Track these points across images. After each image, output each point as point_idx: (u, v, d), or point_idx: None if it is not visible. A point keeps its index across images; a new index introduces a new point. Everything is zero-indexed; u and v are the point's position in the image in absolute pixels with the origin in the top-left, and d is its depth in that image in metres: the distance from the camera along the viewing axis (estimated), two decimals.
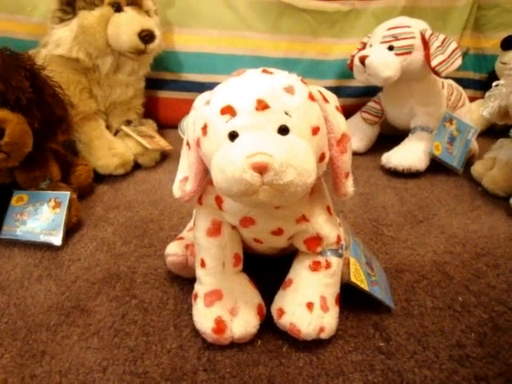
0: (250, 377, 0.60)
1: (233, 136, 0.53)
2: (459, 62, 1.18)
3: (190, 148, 0.62)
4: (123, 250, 0.88)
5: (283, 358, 0.63)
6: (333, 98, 0.61)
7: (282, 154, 0.49)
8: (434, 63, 1.16)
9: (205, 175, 0.63)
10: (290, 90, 0.55)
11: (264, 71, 0.58)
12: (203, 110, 0.58)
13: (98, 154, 1.20)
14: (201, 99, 0.61)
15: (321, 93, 0.59)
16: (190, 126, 0.62)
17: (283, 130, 0.53)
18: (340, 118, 0.61)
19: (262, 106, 0.53)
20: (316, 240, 0.65)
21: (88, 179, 1.11)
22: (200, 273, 0.68)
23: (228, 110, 0.54)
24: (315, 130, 0.55)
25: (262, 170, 0.49)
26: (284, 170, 0.49)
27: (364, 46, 1.32)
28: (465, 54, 1.62)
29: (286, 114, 0.54)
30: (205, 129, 0.57)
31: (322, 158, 0.58)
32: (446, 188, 1.16)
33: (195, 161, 0.62)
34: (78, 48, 1.16)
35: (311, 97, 0.57)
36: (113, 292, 0.76)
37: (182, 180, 0.66)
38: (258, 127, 0.53)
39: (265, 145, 0.50)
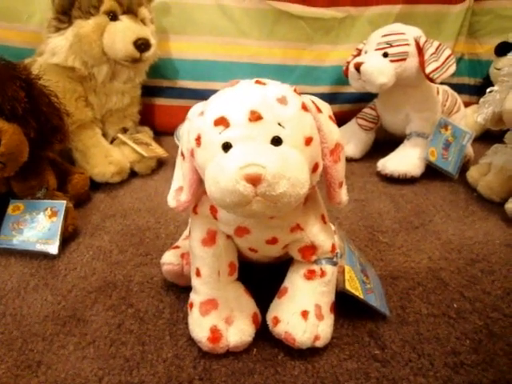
0: None
1: (226, 147, 0.54)
2: (453, 68, 1.19)
3: (184, 158, 0.62)
4: (119, 259, 0.88)
5: (278, 367, 0.63)
6: (326, 107, 0.62)
7: (274, 165, 0.49)
8: (428, 70, 1.17)
9: (199, 185, 0.64)
10: (282, 100, 0.55)
11: (257, 82, 0.58)
12: (197, 121, 0.58)
13: (94, 162, 1.20)
14: (194, 110, 0.61)
15: (314, 102, 0.59)
16: (184, 137, 0.62)
17: (276, 141, 0.53)
18: (333, 127, 0.61)
19: (255, 117, 0.53)
20: (311, 249, 0.65)
21: (84, 187, 1.11)
22: (195, 282, 0.68)
23: (221, 122, 0.54)
24: (308, 141, 0.56)
25: (254, 181, 0.49)
26: (277, 181, 0.49)
27: (359, 52, 1.33)
28: (459, 60, 1.63)
29: (279, 124, 0.54)
30: (198, 140, 0.57)
31: (315, 168, 0.58)
32: (441, 194, 1.16)
33: (189, 171, 0.62)
34: (74, 57, 1.17)
35: (304, 107, 0.57)
36: (109, 301, 0.77)
37: (177, 190, 0.66)
38: (251, 138, 0.53)
39: (258, 156, 0.50)
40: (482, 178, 1.13)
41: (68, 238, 0.94)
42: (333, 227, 0.74)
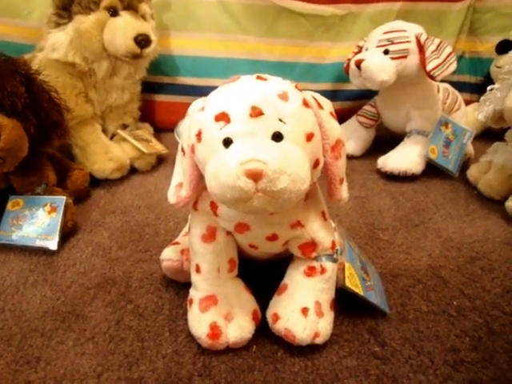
0: (245, 382, 0.60)
1: (227, 143, 0.54)
2: (454, 66, 1.18)
3: (184, 154, 0.62)
4: (119, 255, 0.88)
5: (278, 364, 0.63)
6: (327, 103, 0.62)
7: (275, 160, 0.49)
8: (429, 67, 1.16)
9: (199, 181, 0.64)
10: (284, 96, 0.55)
11: (258, 78, 0.58)
12: (197, 117, 0.58)
13: (94, 158, 1.20)
14: (195, 106, 0.61)
15: (315, 99, 0.59)
16: (184, 133, 0.62)
17: (277, 137, 0.53)
18: (334, 123, 0.61)
19: (256, 112, 0.53)
20: (311, 245, 0.65)
21: (84, 183, 1.11)
22: (195, 278, 0.68)
23: (222, 117, 0.54)
24: (309, 137, 0.55)
25: (255, 177, 0.49)
26: (278, 176, 0.49)
27: (360, 49, 1.33)
28: (460, 58, 1.63)
29: (280, 120, 0.54)
30: (199, 135, 0.57)
31: (316, 164, 0.58)
32: (441, 192, 1.16)
33: (190, 167, 0.62)
34: (74, 52, 1.16)
35: (305, 103, 0.57)
36: (108, 297, 0.76)
37: (177, 186, 0.66)
38: (252, 134, 0.53)
39: (259, 152, 0.50)
40: (483, 176, 1.12)
41: (67, 233, 0.94)
42: (333, 224, 0.74)
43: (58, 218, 0.91)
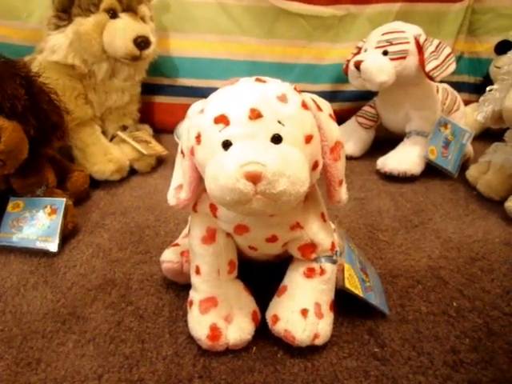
0: (244, 383, 0.60)
1: (226, 145, 0.54)
2: (453, 66, 1.19)
3: (184, 156, 0.62)
4: (119, 257, 0.88)
5: (278, 365, 0.63)
6: (326, 105, 0.62)
7: (274, 163, 0.49)
8: (428, 68, 1.17)
9: (199, 183, 0.64)
10: (282, 98, 0.55)
11: (257, 80, 0.58)
12: (197, 119, 0.58)
13: (93, 160, 1.20)
14: (194, 108, 0.61)
15: (314, 101, 0.59)
16: (184, 135, 0.62)
17: (276, 139, 0.53)
18: (333, 125, 0.61)
19: (255, 114, 0.53)
20: (310, 247, 0.65)
21: (84, 185, 1.11)
22: (195, 280, 0.68)
23: (221, 119, 0.54)
24: (308, 139, 0.56)
25: (254, 179, 0.49)
26: (277, 179, 0.49)
27: (359, 50, 1.33)
28: (459, 58, 1.63)
29: (279, 122, 0.54)
30: (198, 138, 0.57)
31: (315, 166, 0.58)
32: (441, 192, 1.16)
33: (189, 169, 0.62)
34: (74, 54, 1.17)
35: (304, 105, 0.57)
36: (108, 299, 0.76)
37: (177, 188, 0.66)
38: (251, 136, 0.53)
39: (258, 154, 0.50)
40: (482, 177, 1.13)
41: (67, 235, 0.94)
42: (332, 225, 0.74)
43: (58, 219, 0.91)
